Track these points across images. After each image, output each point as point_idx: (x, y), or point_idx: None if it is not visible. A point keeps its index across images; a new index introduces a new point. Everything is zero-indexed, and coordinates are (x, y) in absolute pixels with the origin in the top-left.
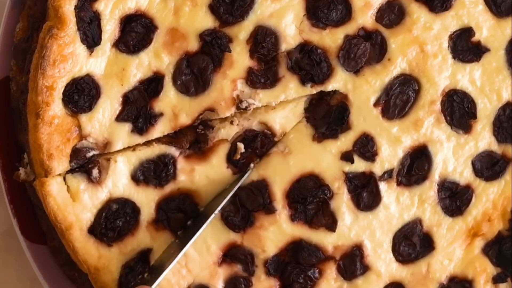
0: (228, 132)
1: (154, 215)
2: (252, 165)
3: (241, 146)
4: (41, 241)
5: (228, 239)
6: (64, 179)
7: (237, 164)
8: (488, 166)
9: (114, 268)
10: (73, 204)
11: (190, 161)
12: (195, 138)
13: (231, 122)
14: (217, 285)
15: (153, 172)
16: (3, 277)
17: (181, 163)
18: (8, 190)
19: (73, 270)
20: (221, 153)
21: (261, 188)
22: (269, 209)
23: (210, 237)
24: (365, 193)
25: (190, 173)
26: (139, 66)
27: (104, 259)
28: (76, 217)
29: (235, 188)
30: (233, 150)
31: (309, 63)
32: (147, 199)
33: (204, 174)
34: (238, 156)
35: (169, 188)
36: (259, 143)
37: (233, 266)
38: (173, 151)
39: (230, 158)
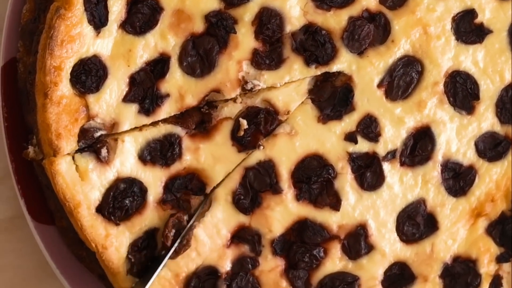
0: (231, 110)
1: (161, 194)
2: (262, 147)
3: (244, 122)
4: (48, 221)
5: (237, 222)
6: (73, 158)
7: (242, 142)
8: (491, 147)
9: (121, 247)
10: (82, 183)
11: (194, 140)
12: (200, 119)
13: (234, 101)
14: (225, 266)
15: (160, 151)
16: (16, 263)
17: (186, 142)
18: (16, 171)
19: (81, 250)
20: (225, 130)
21: (268, 168)
22: (276, 189)
23: (221, 222)
24: (368, 173)
25: (195, 152)
26: (146, 47)
27: (112, 238)
28: (85, 196)
29: (239, 162)
30: (236, 127)
31: (314, 44)
32: (154, 179)
33: (209, 153)
34: (242, 133)
35: (175, 167)
36: (262, 120)
37: (241, 247)
38: (179, 130)
39: (234, 135)
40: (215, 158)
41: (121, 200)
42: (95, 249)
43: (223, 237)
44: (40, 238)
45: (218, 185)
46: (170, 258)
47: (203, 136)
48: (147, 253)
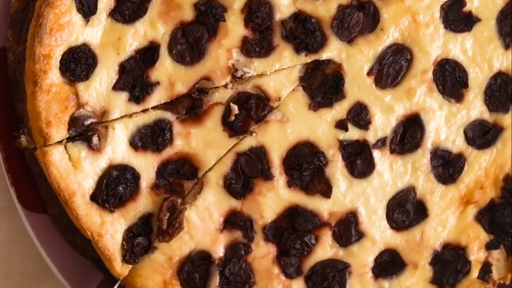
0: (222, 95)
1: (154, 180)
2: (254, 134)
3: (235, 107)
4: (39, 210)
5: (229, 206)
6: (65, 147)
7: (233, 127)
8: (480, 135)
9: (116, 234)
10: (75, 172)
11: (185, 125)
12: (191, 104)
13: (225, 86)
14: (218, 251)
15: (151, 137)
16: (6, 252)
17: (177, 127)
18: (6, 159)
19: (75, 236)
20: (216, 115)
21: (260, 154)
22: (267, 176)
23: (213, 205)
24: (359, 160)
25: (186, 137)
26: (135, 36)
27: (107, 225)
28: (78, 185)
29: (230, 147)
30: (227, 112)
31: (303, 32)
32: (146, 165)
33: (200, 137)
34: (233, 118)
35: (167, 153)
36: (253, 105)
37: (233, 232)
38: (170, 116)
39: (225, 120)
40: (206, 143)
41: (114, 187)
42: (91, 237)
43: (215, 221)
44: (31, 227)
45: (210, 169)
46: (164, 241)
47: (194, 121)
48: (141, 241)
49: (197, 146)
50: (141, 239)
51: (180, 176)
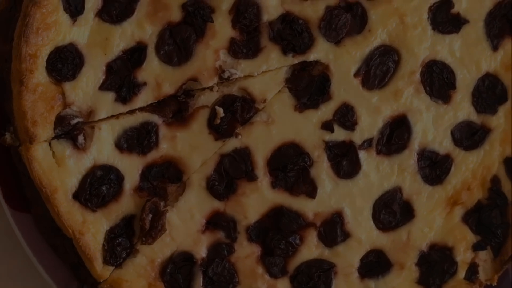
0: (208, 98)
1: (138, 182)
2: (240, 136)
3: (220, 110)
4: (25, 209)
5: (211, 207)
6: (50, 144)
7: (218, 130)
8: (467, 136)
9: (98, 234)
10: (58, 169)
11: (171, 128)
12: (178, 107)
13: (211, 89)
14: (200, 252)
15: (136, 139)
16: None
17: (163, 131)
18: None
19: (55, 238)
20: (201, 119)
21: (244, 155)
22: (251, 177)
23: (195, 206)
24: (345, 161)
25: (172, 140)
26: (122, 36)
27: (89, 224)
28: (61, 182)
29: (215, 151)
30: (213, 115)
31: (291, 34)
32: (130, 167)
33: (186, 141)
34: (218, 121)
35: (152, 155)
36: (239, 108)
37: (216, 233)
38: (156, 119)
39: (211, 124)
40: (192, 146)
41: (97, 187)
42: (72, 235)
43: (197, 222)
44: (17, 226)
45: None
46: (147, 243)
47: (180, 124)
48: (122, 242)
49: (183, 150)
50: (122, 239)
51: (165, 180)
